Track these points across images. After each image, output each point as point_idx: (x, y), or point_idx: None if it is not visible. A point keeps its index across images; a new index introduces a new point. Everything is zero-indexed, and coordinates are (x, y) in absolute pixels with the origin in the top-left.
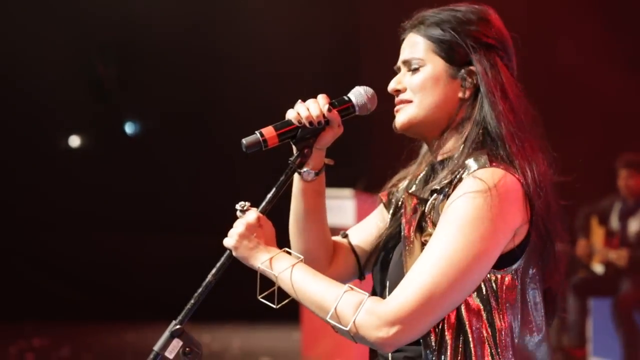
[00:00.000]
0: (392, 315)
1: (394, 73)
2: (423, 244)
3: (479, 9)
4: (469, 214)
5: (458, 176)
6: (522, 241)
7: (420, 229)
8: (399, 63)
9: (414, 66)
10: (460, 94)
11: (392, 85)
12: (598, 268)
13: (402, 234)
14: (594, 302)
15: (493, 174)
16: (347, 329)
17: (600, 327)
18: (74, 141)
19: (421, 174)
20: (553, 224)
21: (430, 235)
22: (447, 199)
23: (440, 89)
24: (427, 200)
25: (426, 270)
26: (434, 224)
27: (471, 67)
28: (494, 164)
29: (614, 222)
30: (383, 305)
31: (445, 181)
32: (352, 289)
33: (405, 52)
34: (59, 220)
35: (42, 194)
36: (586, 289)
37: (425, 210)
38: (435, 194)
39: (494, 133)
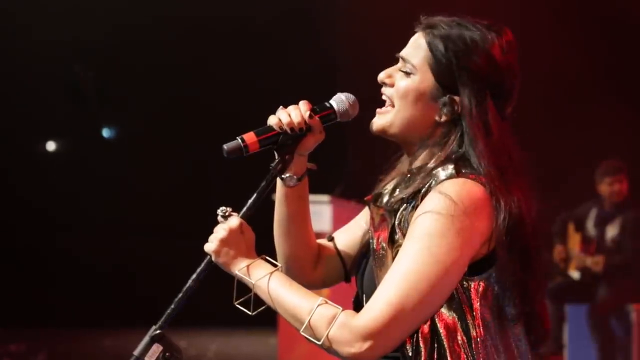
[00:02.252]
0: (364, 330)
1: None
2: (395, 256)
3: (490, 39)
4: (435, 227)
5: (427, 186)
6: (494, 249)
7: (392, 241)
8: (401, 54)
9: (406, 69)
10: (436, 117)
11: (382, 76)
12: (574, 274)
13: (372, 247)
14: (570, 308)
15: (459, 185)
16: (320, 343)
17: (577, 334)
18: (50, 145)
19: (390, 185)
20: (527, 238)
21: (401, 246)
22: (415, 210)
23: (419, 105)
24: (396, 211)
25: (396, 285)
26: (405, 235)
27: (456, 97)
28: (460, 174)
29: (590, 228)
30: (355, 321)
31: (414, 193)
32: (326, 302)
33: (407, 49)
34: (35, 227)
35: (19, 199)
36: (562, 295)
37: (395, 223)
38: (404, 204)
39: (474, 162)
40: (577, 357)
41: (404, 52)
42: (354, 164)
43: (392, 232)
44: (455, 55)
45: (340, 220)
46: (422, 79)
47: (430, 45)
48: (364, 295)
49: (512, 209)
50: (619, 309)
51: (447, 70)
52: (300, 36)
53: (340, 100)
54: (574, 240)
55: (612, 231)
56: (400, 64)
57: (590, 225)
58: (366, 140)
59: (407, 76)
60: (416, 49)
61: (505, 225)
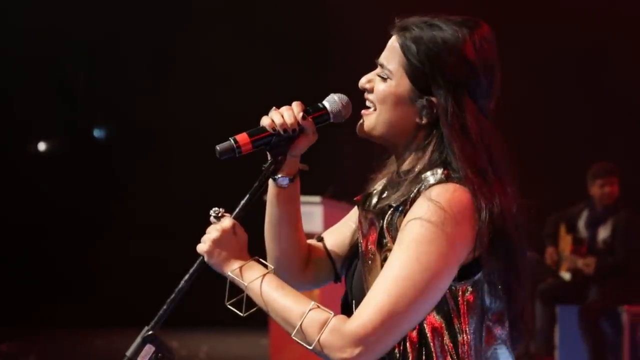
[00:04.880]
0: (355, 336)
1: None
2: (384, 260)
3: (462, 37)
4: (424, 234)
5: (415, 191)
6: (481, 254)
7: (381, 245)
8: (379, 59)
9: (383, 75)
10: (417, 120)
11: (362, 82)
12: (566, 275)
13: (360, 250)
14: (561, 309)
15: (449, 192)
16: (311, 348)
17: (567, 335)
18: (41, 146)
19: (379, 186)
20: (510, 238)
21: (390, 250)
22: (404, 215)
23: (399, 109)
24: (384, 213)
25: (386, 291)
26: (394, 239)
27: (433, 99)
28: (450, 179)
29: (582, 230)
30: (346, 326)
31: (403, 198)
32: (318, 306)
33: (384, 54)
34: (26, 226)
35: (10, 199)
36: (554, 296)
37: (384, 226)
38: (392, 209)
39: (454, 164)
40: (567, 358)
41: (381, 58)
42: (345, 166)
43: (381, 236)
44: (428, 58)
45: (331, 221)
46: (398, 83)
47: (403, 49)
48: (353, 297)
49: (493, 209)
50: (610, 310)
51: (421, 73)
52: (293, 36)
53: (333, 101)
54: (566, 242)
55: (603, 233)
56: (378, 69)
57: (582, 227)
58: (358, 141)
59: (384, 81)
60: (391, 53)
61: (487, 226)
